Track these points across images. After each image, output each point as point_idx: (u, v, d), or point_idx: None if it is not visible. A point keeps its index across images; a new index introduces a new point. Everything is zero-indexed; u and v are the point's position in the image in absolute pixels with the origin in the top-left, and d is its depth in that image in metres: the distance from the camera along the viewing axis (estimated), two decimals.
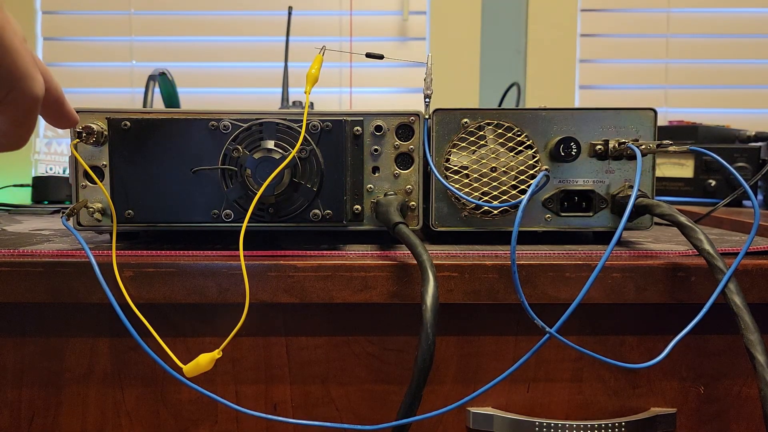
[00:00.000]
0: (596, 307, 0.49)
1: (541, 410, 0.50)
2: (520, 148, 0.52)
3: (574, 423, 0.49)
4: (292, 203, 0.48)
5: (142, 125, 0.48)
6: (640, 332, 0.50)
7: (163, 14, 1.29)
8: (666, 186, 0.99)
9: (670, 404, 0.51)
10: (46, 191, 1.03)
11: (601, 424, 0.49)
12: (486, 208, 0.52)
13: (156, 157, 0.48)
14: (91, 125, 0.48)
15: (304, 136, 0.47)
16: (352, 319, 0.49)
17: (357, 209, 0.51)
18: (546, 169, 0.47)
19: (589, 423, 0.49)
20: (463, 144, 0.52)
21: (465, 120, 0.52)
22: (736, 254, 0.45)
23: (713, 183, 0.94)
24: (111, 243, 0.48)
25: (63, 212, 0.47)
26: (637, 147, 0.48)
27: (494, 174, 0.52)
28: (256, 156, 0.46)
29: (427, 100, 0.52)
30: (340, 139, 0.48)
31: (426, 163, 0.51)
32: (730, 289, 0.41)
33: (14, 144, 0.39)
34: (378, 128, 0.51)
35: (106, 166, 0.50)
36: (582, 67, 1.31)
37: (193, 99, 1.28)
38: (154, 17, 1.29)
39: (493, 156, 0.52)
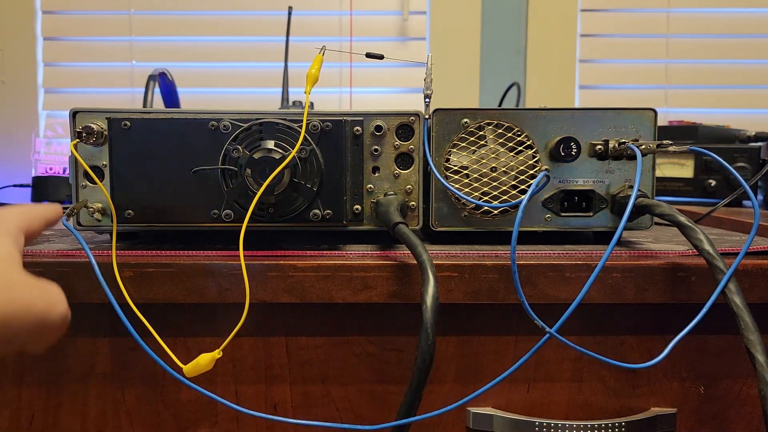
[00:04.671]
0: (596, 307, 0.49)
1: (541, 410, 0.50)
2: (520, 148, 0.52)
3: (574, 423, 0.49)
4: (292, 203, 0.48)
5: (142, 125, 0.48)
6: (640, 332, 0.50)
7: (163, 14, 1.29)
8: (666, 186, 0.99)
9: (670, 404, 0.51)
10: (46, 191, 1.03)
11: (601, 424, 0.49)
12: (486, 208, 0.52)
13: (156, 157, 0.48)
14: (91, 125, 0.48)
15: (304, 136, 0.47)
16: (352, 319, 0.49)
17: (357, 209, 0.51)
18: (546, 169, 0.47)
19: (589, 423, 0.49)
20: (463, 144, 0.52)
21: (465, 120, 0.52)
22: (736, 254, 0.45)
23: (713, 183, 0.94)
24: (111, 243, 0.48)
25: (63, 212, 0.47)
26: (637, 147, 0.48)
27: (494, 174, 0.52)
28: (256, 156, 0.46)
29: (427, 100, 0.51)
30: (340, 139, 0.48)
31: (426, 163, 0.51)
32: (730, 289, 0.41)
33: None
34: (378, 128, 0.51)
35: (106, 166, 0.50)
36: (582, 67, 1.31)
37: (193, 99, 1.28)
38: (154, 17, 1.29)
39: (493, 156, 0.52)
